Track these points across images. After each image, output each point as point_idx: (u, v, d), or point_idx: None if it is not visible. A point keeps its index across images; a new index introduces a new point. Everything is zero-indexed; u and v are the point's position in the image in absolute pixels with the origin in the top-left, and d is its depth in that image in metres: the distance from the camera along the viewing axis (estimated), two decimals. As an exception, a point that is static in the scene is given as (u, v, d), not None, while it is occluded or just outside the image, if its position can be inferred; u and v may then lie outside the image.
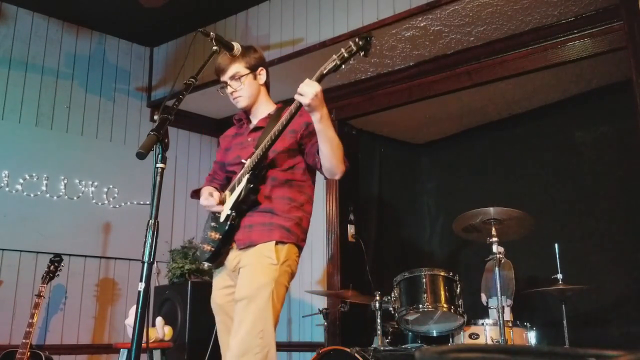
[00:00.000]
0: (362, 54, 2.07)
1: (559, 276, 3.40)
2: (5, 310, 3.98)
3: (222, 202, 2.49)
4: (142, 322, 1.67)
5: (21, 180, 4.19)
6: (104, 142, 4.66)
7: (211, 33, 2.33)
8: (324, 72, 2.14)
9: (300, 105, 2.16)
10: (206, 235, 2.52)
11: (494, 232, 3.27)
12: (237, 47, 2.45)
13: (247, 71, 2.49)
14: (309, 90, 2.11)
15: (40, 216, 4.22)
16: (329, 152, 2.25)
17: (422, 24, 3.65)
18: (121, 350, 3.63)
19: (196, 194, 2.78)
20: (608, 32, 3.45)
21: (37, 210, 4.22)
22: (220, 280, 2.49)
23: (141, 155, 1.74)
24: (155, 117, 4.84)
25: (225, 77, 2.49)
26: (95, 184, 4.52)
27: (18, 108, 4.28)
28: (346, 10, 3.84)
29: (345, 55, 2.08)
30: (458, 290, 3.41)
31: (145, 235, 1.73)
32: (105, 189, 4.57)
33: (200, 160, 5.25)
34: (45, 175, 4.30)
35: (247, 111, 2.59)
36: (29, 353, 3.57)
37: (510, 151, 4.79)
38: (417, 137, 5.38)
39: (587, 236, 4.16)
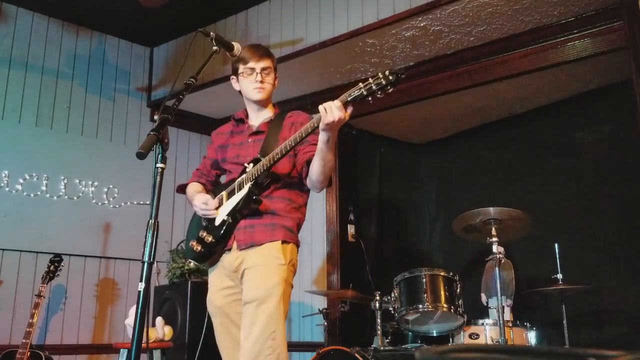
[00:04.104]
0: (389, 89, 2.06)
1: (559, 276, 3.40)
2: (5, 310, 3.98)
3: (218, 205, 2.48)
4: (142, 322, 1.67)
5: (21, 180, 4.19)
6: (104, 142, 4.66)
7: (211, 33, 2.34)
8: (348, 99, 2.09)
9: (319, 124, 2.13)
10: (196, 233, 2.48)
11: (494, 232, 3.27)
12: (237, 47, 2.45)
13: (275, 71, 2.55)
14: (338, 114, 2.07)
15: (40, 216, 4.22)
16: (321, 170, 2.26)
17: (422, 24, 3.65)
18: (121, 350, 3.63)
19: (182, 189, 2.72)
20: (608, 32, 3.45)
21: (37, 210, 4.22)
22: (218, 281, 2.46)
23: (141, 155, 1.74)
24: (155, 117, 4.84)
25: (259, 64, 2.47)
26: (95, 184, 4.52)
27: (18, 108, 4.28)
28: (346, 10, 3.84)
29: (374, 87, 2.05)
30: (458, 290, 3.42)
31: (145, 235, 1.73)
32: (105, 189, 4.57)
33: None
34: (45, 175, 4.30)
35: (247, 111, 2.60)
36: (29, 353, 3.57)
37: (510, 151, 4.79)
38: (417, 137, 5.38)
39: (587, 236, 4.15)
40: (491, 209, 3.29)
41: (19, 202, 4.15)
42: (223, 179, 2.74)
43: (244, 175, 2.39)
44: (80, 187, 4.46)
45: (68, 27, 4.61)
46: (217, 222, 2.41)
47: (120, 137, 4.77)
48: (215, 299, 2.45)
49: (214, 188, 2.66)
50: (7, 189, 4.13)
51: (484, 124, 4.96)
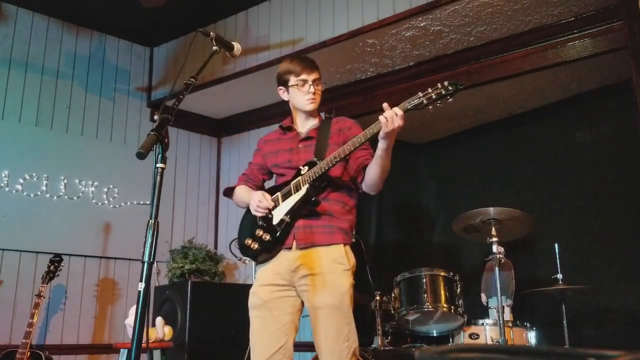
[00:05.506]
0: (449, 99, 2.16)
1: (559, 276, 3.41)
2: (5, 310, 3.98)
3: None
4: (142, 322, 1.67)
5: (21, 180, 4.19)
6: (104, 142, 4.66)
7: (211, 33, 2.33)
8: (409, 107, 2.21)
9: (379, 130, 2.22)
10: (251, 230, 2.52)
11: (494, 232, 3.27)
12: (237, 47, 2.45)
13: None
14: (399, 123, 2.19)
15: (40, 216, 4.22)
16: (379, 176, 2.37)
17: (422, 24, 3.65)
18: (121, 350, 3.63)
19: (229, 192, 2.77)
20: (608, 32, 3.45)
21: (37, 210, 4.22)
22: (268, 277, 2.49)
23: (141, 155, 1.73)
24: (155, 117, 4.84)
25: (311, 76, 2.54)
26: (95, 184, 4.52)
27: (18, 108, 4.28)
28: (346, 10, 3.84)
29: (433, 96, 2.16)
30: (458, 290, 3.42)
31: (145, 235, 1.73)
32: (105, 189, 4.57)
33: (200, 160, 5.25)
34: (45, 175, 4.30)
35: (293, 119, 2.66)
36: (29, 353, 3.57)
37: (510, 151, 4.79)
38: (417, 137, 5.38)
39: (587, 236, 4.15)
40: (491, 209, 3.29)
41: (19, 202, 4.15)
42: (266, 184, 2.78)
43: (299, 178, 2.46)
44: (80, 187, 4.46)
45: (68, 27, 4.61)
46: (275, 222, 2.47)
47: (120, 137, 4.77)
48: (260, 292, 2.48)
49: (268, 190, 2.70)
50: (7, 189, 4.13)
51: (484, 124, 4.96)
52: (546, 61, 3.71)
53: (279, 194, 2.52)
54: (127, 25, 4.68)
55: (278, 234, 2.43)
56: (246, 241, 2.53)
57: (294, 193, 2.45)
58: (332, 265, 2.40)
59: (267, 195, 2.51)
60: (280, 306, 2.45)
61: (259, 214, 2.49)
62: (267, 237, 2.46)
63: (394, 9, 3.59)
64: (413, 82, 4.20)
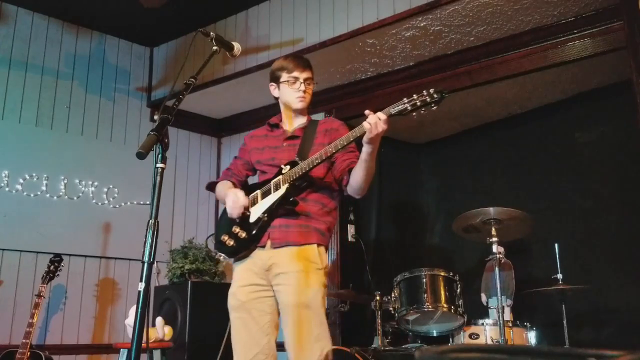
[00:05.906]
0: (433, 107, 2.15)
1: (559, 276, 3.41)
2: (5, 310, 3.98)
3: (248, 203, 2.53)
4: (142, 322, 1.67)
5: (21, 180, 4.19)
6: (104, 142, 4.66)
7: (211, 33, 2.33)
8: (392, 112, 2.18)
9: (362, 134, 2.20)
10: (228, 228, 2.51)
11: (494, 232, 3.27)
12: (237, 47, 2.45)
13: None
14: (383, 128, 2.16)
15: (40, 216, 4.22)
16: (364, 179, 2.34)
17: (422, 24, 3.65)
18: (121, 350, 3.63)
19: (211, 187, 2.76)
20: (608, 32, 3.45)
21: (37, 210, 4.22)
22: (245, 277, 2.47)
23: (141, 155, 1.74)
24: (155, 117, 4.84)
25: (303, 75, 2.54)
26: (95, 184, 4.52)
27: (18, 108, 4.28)
28: (346, 10, 3.84)
29: (418, 103, 2.14)
30: (458, 290, 3.42)
31: (145, 235, 1.73)
32: (105, 189, 4.57)
33: (200, 160, 5.25)
34: (45, 175, 4.30)
35: (282, 117, 2.66)
36: (29, 353, 3.57)
37: (510, 151, 4.79)
38: (417, 137, 5.38)
39: (587, 236, 4.15)
40: (491, 209, 3.29)
41: (19, 202, 4.15)
42: (250, 180, 2.78)
43: (280, 176, 2.45)
44: (80, 187, 4.46)
45: (68, 27, 4.61)
46: (252, 219, 2.46)
47: (120, 137, 4.77)
48: (239, 294, 2.46)
49: (248, 187, 2.70)
50: (7, 189, 4.13)
51: (484, 124, 4.96)
52: (546, 61, 3.71)
53: (258, 191, 2.51)
54: (127, 25, 4.68)
55: (254, 232, 2.42)
56: (222, 237, 2.51)
57: (274, 192, 2.44)
58: (304, 264, 2.38)
59: (240, 194, 2.50)
60: (258, 306, 2.43)
61: (234, 215, 2.48)
62: (243, 234, 2.44)
63: (394, 9, 3.59)
64: (413, 82, 4.20)
